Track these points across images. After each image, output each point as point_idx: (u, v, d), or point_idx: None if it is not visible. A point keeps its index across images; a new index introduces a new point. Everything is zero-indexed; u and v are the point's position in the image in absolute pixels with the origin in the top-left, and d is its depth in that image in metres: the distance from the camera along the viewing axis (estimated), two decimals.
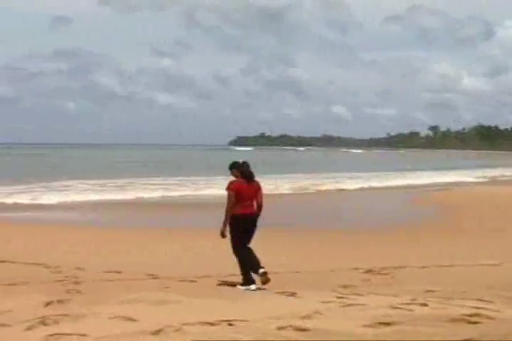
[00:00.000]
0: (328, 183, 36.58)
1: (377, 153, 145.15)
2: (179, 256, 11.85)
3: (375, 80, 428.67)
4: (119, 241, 13.98)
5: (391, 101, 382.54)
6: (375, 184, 37.50)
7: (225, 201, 8.46)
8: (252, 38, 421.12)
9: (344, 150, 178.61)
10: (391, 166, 62.83)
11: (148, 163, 68.73)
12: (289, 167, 58.96)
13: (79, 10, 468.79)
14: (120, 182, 34.59)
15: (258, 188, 8.59)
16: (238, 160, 8.84)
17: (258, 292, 7.95)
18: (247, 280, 8.32)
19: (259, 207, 8.57)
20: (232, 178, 8.70)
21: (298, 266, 10.46)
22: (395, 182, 39.52)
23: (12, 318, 6.07)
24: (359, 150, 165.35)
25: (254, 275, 8.35)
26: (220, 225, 8.43)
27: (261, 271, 8.21)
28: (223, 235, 8.41)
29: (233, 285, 8.53)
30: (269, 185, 34.30)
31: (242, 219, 8.39)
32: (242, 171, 8.56)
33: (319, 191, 32.80)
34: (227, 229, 8.40)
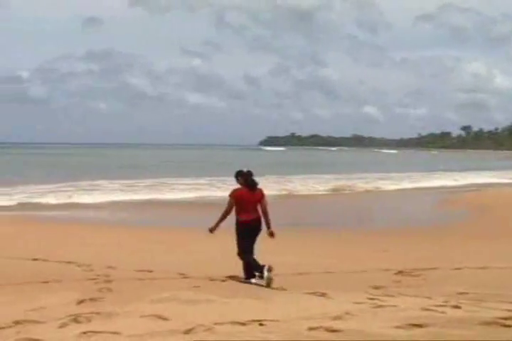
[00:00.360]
0: (362, 184, 36.52)
1: (409, 153, 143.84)
2: (210, 255, 11.87)
3: (405, 80, 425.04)
4: (150, 240, 14.08)
5: (422, 101, 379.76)
6: (409, 185, 37.31)
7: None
8: (281, 38, 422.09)
9: (376, 150, 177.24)
10: (425, 167, 62.47)
11: (178, 163, 69.07)
12: (323, 167, 58.80)
13: (110, 11, 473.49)
14: (150, 182, 34.78)
15: (261, 196, 9.03)
16: (242, 169, 9.27)
17: (289, 292, 7.92)
18: (248, 275, 8.80)
19: (264, 212, 8.99)
20: (238, 186, 9.17)
21: (328, 267, 10.41)
22: (428, 183, 39.22)
23: (45, 315, 6.16)
24: (392, 151, 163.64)
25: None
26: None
27: (266, 274, 8.54)
28: (210, 230, 9.12)
29: (262, 285, 8.51)
30: (302, 185, 34.35)
31: (245, 225, 8.91)
32: (245, 179, 9.02)
33: (354, 191, 32.66)
34: (219, 228, 9.08)
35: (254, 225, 8.93)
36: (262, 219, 8.98)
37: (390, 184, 37.30)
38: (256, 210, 8.97)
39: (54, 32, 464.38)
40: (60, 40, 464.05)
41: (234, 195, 8.96)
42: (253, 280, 8.68)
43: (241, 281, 8.82)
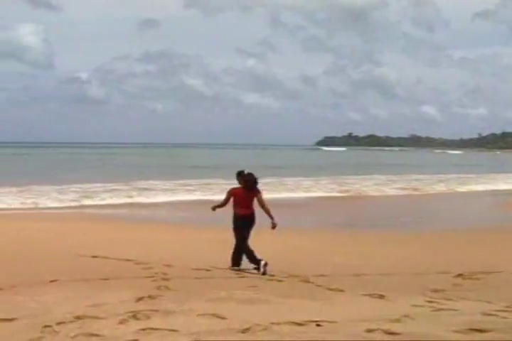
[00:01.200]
0: (424, 185, 36.16)
1: (474, 154, 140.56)
2: (266, 255, 11.88)
3: (464, 79, 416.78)
4: (206, 239, 14.16)
5: (482, 100, 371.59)
6: (477, 186, 36.61)
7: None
8: (336, 38, 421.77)
9: (437, 151, 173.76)
10: (493, 168, 61.34)
11: (234, 162, 69.29)
12: (389, 168, 58.52)
13: (165, 12, 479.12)
14: (206, 181, 34.98)
15: (257, 194, 10.20)
16: (243, 169, 10.48)
17: (346, 293, 7.86)
18: (257, 262, 9.77)
19: (265, 209, 10.15)
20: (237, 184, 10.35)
21: (387, 268, 10.29)
22: (497, 185, 38.36)
23: (106, 311, 6.27)
24: (457, 151, 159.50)
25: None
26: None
27: (262, 262, 9.71)
28: (212, 208, 10.48)
29: (320, 285, 8.48)
30: (366, 186, 34.07)
31: (240, 218, 10.18)
32: (245, 181, 10.21)
33: (418, 193, 32.18)
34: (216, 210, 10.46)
35: (247, 219, 10.14)
36: (256, 215, 10.21)
37: (457, 185, 36.75)
38: (250, 206, 10.17)
39: (111, 34, 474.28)
40: (117, 42, 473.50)
41: (231, 192, 10.28)
42: (262, 262, 9.67)
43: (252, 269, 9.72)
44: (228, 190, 10.46)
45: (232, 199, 10.27)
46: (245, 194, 10.15)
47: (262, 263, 9.65)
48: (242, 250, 10.14)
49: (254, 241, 13.68)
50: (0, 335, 5.55)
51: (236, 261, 10.16)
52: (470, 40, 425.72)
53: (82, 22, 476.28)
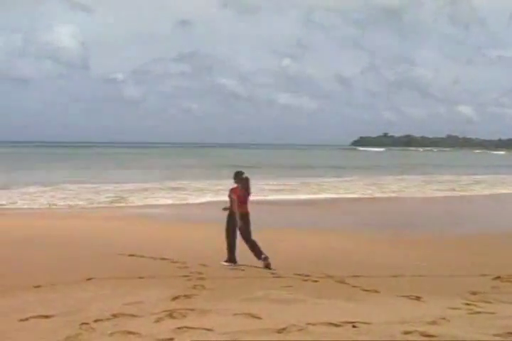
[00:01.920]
0: (469, 185, 35.74)
1: None
2: (302, 255, 11.86)
3: (502, 78, 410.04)
4: (241, 239, 14.17)
5: None
6: None
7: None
8: (372, 37, 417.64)
9: (478, 151, 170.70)
10: None
11: (270, 162, 69.28)
12: (433, 168, 58.17)
13: (201, 13, 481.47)
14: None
15: (249, 194, 10.78)
16: (241, 170, 11.01)
17: (382, 294, 7.80)
18: (230, 259, 10.48)
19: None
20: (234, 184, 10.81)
21: (423, 270, 10.19)
22: None
23: (142, 309, 6.33)
24: (500, 152, 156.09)
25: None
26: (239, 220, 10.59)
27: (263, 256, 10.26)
28: (224, 209, 10.85)
29: (355, 286, 8.42)
30: (405, 188, 33.71)
31: (246, 216, 10.58)
32: (243, 183, 10.67)
33: (459, 195, 31.78)
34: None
35: (248, 216, 10.61)
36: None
37: (498, 186, 36.20)
38: (248, 205, 10.65)
39: (147, 35, 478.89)
40: (153, 43, 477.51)
41: (236, 194, 10.62)
42: (231, 266, 10.25)
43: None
44: (231, 190, 10.78)
45: (232, 199, 10.65)
46: (244, 193, 10.66)
47: (231, 266, 10.28)
48: (228, 241, 10.67)
49: (290, 241, 13.68)
50: (39, 331, 5.64)
51: (258, 252, 10.36)
52: (507, 38, 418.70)
53: (117, 23, 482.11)
